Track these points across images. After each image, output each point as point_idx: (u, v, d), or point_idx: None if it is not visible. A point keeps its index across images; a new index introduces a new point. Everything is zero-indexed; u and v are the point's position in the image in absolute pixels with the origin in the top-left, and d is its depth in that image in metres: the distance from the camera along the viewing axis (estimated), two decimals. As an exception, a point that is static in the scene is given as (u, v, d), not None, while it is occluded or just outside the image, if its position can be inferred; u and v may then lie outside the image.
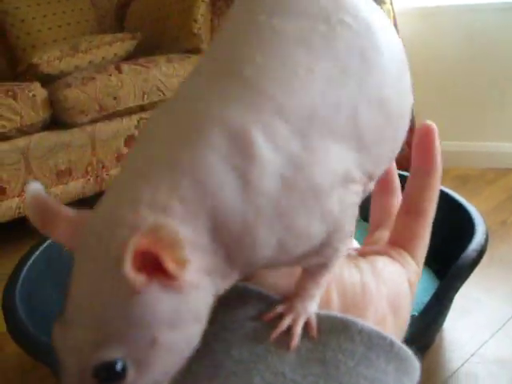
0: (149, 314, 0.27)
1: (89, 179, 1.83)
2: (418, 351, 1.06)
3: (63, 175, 1.77)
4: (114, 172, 1.88)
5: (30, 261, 1.19)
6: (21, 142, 1.68)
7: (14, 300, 1.05)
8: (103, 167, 1.86)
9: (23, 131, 1.69)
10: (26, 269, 1.16)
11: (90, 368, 0.27)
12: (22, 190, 1.70)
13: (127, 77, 1.86)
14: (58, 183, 1.77)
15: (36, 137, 1.71)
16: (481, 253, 1.15)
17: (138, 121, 1.91)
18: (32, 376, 1.26)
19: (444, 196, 1.40)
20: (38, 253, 1.22)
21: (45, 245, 1.25)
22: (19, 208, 1.70)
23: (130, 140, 1.90)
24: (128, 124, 1.89)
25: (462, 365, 1.20)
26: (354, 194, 0.32)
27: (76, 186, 1.80)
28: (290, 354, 0.33)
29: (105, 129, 1.84)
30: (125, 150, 1.90)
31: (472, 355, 1.22)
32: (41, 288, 1.20)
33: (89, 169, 1.83)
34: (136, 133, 1.91)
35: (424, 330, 1.12)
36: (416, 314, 1.17)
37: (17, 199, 1.69)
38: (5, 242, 1.79)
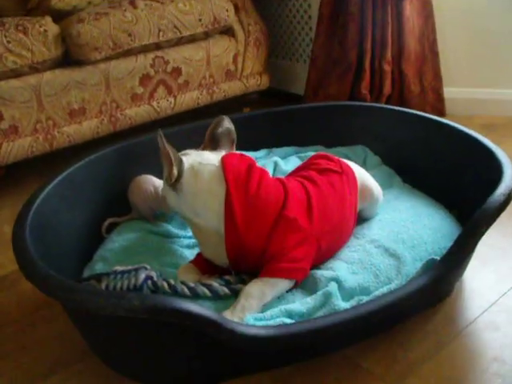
0: None
1: (103, 119, 1.78)
2: (437, 298, 1.02)
3: (76, 114, 1.73)
4: (128, 112, 1.83)
5: (41, 196, 1.16)
6: (32, 79, 1.64)
7: (25, 235, 1.03)
8: (117, 107, 1.81)
9: (35, 68, 1.64)
10: (36, 204, 1.14)
11: None
12: (35, 129, 1.66)
13: (142, 13, 1.79)
14: (71, 122, 1.73)
15: (48, 74, 1.66)
16: (508, 197, 1.09)
17: (154, 59, 1.85)
18: (45, 312, 1.26)
19: (472, 140, 1.33)
20: (49, 188, 1.19)
21: (56, 181, 1.22)
22: (32, 147, 1.66)
23: (144, 79, 1.84)
24: (143, 62, 1.83)
25: (482, 313, 1.16)
26: None
27: (90, 126, 1.76)
28: None
29: (119, 67, 1.78)
30: (140, 90, 1.84)
31: (492, 304, 1.19)
32: (53, 222, 1.17)
33: (103, 108, 1.78)
34: (151, 72, 1.85)
35: (445, 276, 1.08)
36: (438, 258, 1.13)
37: (29, 138, 1.66)
38: (18, 182, 1.77)
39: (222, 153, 1.16)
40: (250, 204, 1.07)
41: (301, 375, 1.05)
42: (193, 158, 1.14)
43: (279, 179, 1.18)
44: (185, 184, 1.11)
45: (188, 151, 1.17)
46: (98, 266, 1.20)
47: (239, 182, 1.08)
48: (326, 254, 1.16)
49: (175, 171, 1.09)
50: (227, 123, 1.20)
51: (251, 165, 1.13)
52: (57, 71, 1.68)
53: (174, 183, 1.11)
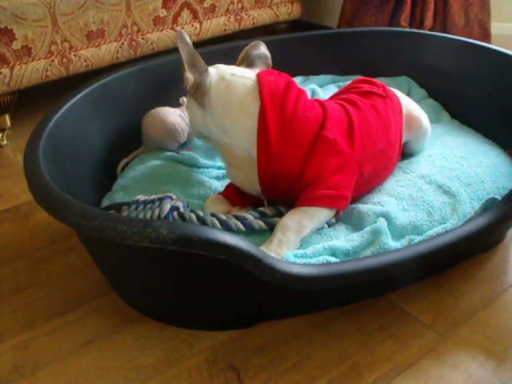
0: None
1: (123, 43, 1.65)
2: (491, 242, 0.89)
3: (94, 37, 1.59)
4: (150, 36, 1.69)
5: (55, 118, 1.05)
6: (47, -5, 1.50)
7: (37, 156, 0.92)
8: (138, 30, 1.67)
9: (50, -16, 1.50)
10: (50, 126, 1.02)
11: None
12: (50, 52, 1.54)
13: None
14: (88, 45, 1.59)
15: (64, -9, 1.52)
16: None
17: (178, -21, 1.69)
18: (61, 246, 1.17)
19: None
20: (64, 109, 1.08)
21: (70, 102, 1.11)
22: (46, 71, 1.54)
23: (168, 1, 1.69)
24: (167, -18, 1.68)
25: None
26: None
27: (109, 50, 1.62)
28: None
29: (141, -14, 1.63)
30: (163, 12, 1.69)
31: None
32: (68, 146, 1.06)
33: (123, 31, 1.64)
34: (175, -7, 1.70)
35: (508, 217, 0.97)
36: (498, 197, 1.01)
37: (43, 61, 1.53)
38: (32, 110, 1.67)
39: (257, 71, 1.04)
40: (286, 123, 0.96)
41: (341, 321, 0.96)
42: (223, 69, 1.02)
43: (318, 100, 1.06)
44: (213, 97, 0.99)
45: (218, 65, 1.04)
46: (119, 196, 1.09)
47: (275, 100, 0.97)
48: (368, 182, 1.04)
49: (189, 75, 0.98)
50: (264, 48, 1.10)
51: (290, 82, 1.01)
52: (73, -12, 1.54)
53: (197, 95, 0.99)
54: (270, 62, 1.10)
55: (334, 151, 0.97)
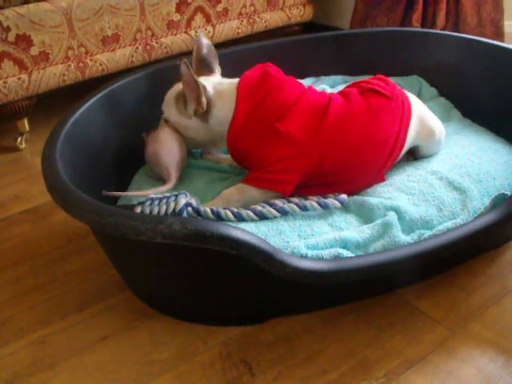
0: None
1: (137, 47, 1.68)
2: (502, 238, 0.89)
3: (110, 42, 1.62)
4: (164, 40, 1.71)
5: (72, 119, 1.08)
6: (63, 2, 1.53)
7: (55, 157, 0.95)
8: (153, 35, 1.70)
9: (66, -10, 1.53)
10: (67, 128, 1.05)
11: None
12: (66, 56, 1.57)
13: None
14: (104, 50, 1.62)
15: (80, -3, 1.55)
16: None
17: (191, -17, 1.72)
18: (77, 245, 1.20)
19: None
20: (81, 111, 1.10)
21: (87, 104, 1.13)
22: (63, 75, 1.57)
23: (181, 5, 1.72)
24: (180, -13, 1.70)
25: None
26: None
27: (124, 54, 1.65)
28: None
29: (155, -9, 1.66)
30: (176, 17, 1.72)
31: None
32: (85, 147, 1.09)
33: (137, 36, 1.67)
34: (189, -3, 1.73)
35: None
36: (508, 193, 1.02)
37: (60, 66, 1.57)
38: (50, 113, 1.70)
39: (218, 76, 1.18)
40: (251, 111, 1.06)
41: (352, 317, 0.97)
42: (210, 80, 1.13)
43: (302, 87, 1.11)
44: (214, 108, 1.10)
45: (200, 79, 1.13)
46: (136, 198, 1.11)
47: (248, 91, 1.08)
48: (334, 176, 1.06)
49: (204, 99, 1.08)
50: (205, 39, 1.18)
51: (265, 75, 1.10)
52: (89, -6, 1.57)
53: (203, 113, 1.10)
54: (214, 50, 1.19)
55: (283, 142, 1.04)
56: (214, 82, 1.12)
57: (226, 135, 1.09)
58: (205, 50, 1.16)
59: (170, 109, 1.14)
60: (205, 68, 1.16)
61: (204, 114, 1.10)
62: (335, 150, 1.04)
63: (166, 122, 1.15)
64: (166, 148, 1.11)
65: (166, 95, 1.15)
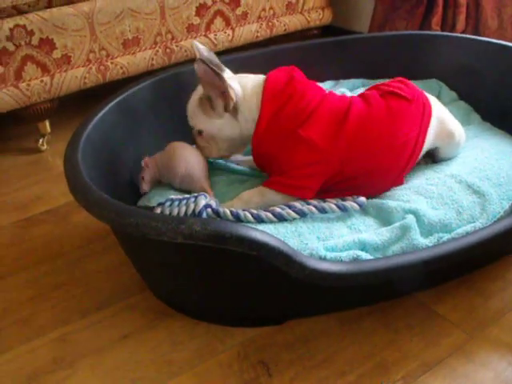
0: None
1: (157, 50, 1.69)
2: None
3: (130, 45, 1.64)
4: (184, 43, 1.73)
5: (94, 121, 1.09)
6: (85, 6, 1.55)
7: (77, 158, 0.96)
8: (173, 38, 1.71)
9: (88, -6, 1.56)
10: (89, 129, 1.07)
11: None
12: (88, 60, 1.59)
13: None
14: (124, 53, 1.64)
15: (102, 1, 1.57)
16: None
17: (211, -13, 1.73)
18: (97, 245, 1.21)
19: None
20: (102, 113, 1.12)
21: (109, 106, 1.15)
22: (85, 78, 1.59)
23: (201, 9, 1.73)
24: (200, -10, 1.72)
25: None
26: None
27: (144, 57, 1.67)
28: None
29: (175, -5, 1.68)
30: (196, 20, 1.73)
31: None
32: (106, 149, 1.10)
33: (157, 39, 1.69)
34: (209, 1, 1.74)
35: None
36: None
37: (82, 69, 1.59)
38: (71, 115, 1.72)
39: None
40: (274, 115, 1.06)
41: (370, 319, 0.97)
42: (237, 76, 1.14)
43: (321, 93, 1.11)
44: (240, 103, 1.09)
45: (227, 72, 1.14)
46: (154, 200, 1.12)
47: (274, 95, 1.07)
48: (354, 181, 1.06)
49: (232, 91, 1.08)
50: (200, 45, 1.16)
51: (291, 77, 1.09)
52: (110, -2, 1.59)
53: (233, 108, 1.09)
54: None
55: (305, 148, 1.04)
56: (236, 76, 1.12)
57: (252, 137, 1.09)
58: (206, 54, 1.14)
59: (197, 118, 1.12)
60: (215, 68, 1.12)
61: (234, 109, 1.09)
62: (356, 155, 1.04)
63: (200, 133, 1.13)
64: (196, 165, 1.12)
65: (187, 109, 1.13)
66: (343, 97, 1.13)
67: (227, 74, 1.14)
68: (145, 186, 1.13)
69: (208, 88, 1.07)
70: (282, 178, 1.05)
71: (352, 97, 1.13)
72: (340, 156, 1.04)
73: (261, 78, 1.12)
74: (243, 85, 1.10)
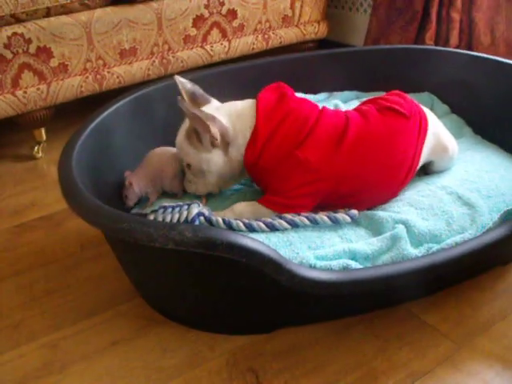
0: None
1: (154, 61, 1.71)
2: (509, 256, 0.88)
3: (127, 55, 1.66)
4: (180, 54, 1.75)
5: (88, 130, 1.10)
6: (83, 16, 1.57)
7: (71, 165, 0.97)
8: (169, 49, 1.73)
9: (86, 5, 1.57)
10: (83, 137, 1.08)
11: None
12: (85, 69, 1.61)
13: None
14: (121, 63, 1.66)
15: (99, 11, 1.59)
16: None
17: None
18: (90, 252, 1.22)
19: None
20: (97, 121, 1.13)
21: (104, 114, 1.16)
22: (81, 87, 1.61)
23: (198, 20, 1.75)
24: (197, 2, 1.73)
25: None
26: None
27: (140, 67, 1.69)
28: None
29: (172, 6, 1.69)
30: (193, 31, 1.75)
31: None
32: (99, 157, 1.11)
33: (154, 49, 1.70)
34: (206, 13, 1.76)
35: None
36: (517, 210, 1.02)
37: (79, 78, 1.60)
38: (67, 124, 1.74)
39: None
40: (270, 134, 1.04)
41: (359, 329, 0.98)
42: (224, 105, 1.11)
43: (317, 110, 1.10)
44: (232, 134, 1.06)
45: (211, 105, 1.12)
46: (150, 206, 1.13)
47: (267, 113, 1.05)
48: (349, 199, 1.06)
49: (215, 130, 1.04)
50: (180, 78, 1.13)
51: (282, 97, 1.08)
52: (108, 9, 1.60)
53: (221, 143, 1.06)
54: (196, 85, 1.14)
55: (302, 169, 1.03)
56: (225, 108, 1.09)
57: (243, 157, 1.06)
58: (189, 85, 1.11)
59: (185, 151, 1.09)
60: (200, 100, 1.12)
61: (223, 143, 1.06)
62: (352, 174, 1.05)
63: (189, 167, 1.10)
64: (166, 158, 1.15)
65: (176, 141, 1.11)
66: (339, 113, 1.11)
67: (213, 104, 1.11)
68: (130, 202, 1.14)
69: (193, 122, 1.04)
70: (278, 197, 1.04)
71: (349, 112, 1.12)
72: (336, 175, 1.04)
73: (250, 102, 1.10)
74: (233, 115, 1.07)
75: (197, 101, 1.11)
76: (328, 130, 1.05)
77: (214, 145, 1.06)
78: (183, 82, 1.11)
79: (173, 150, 1.16)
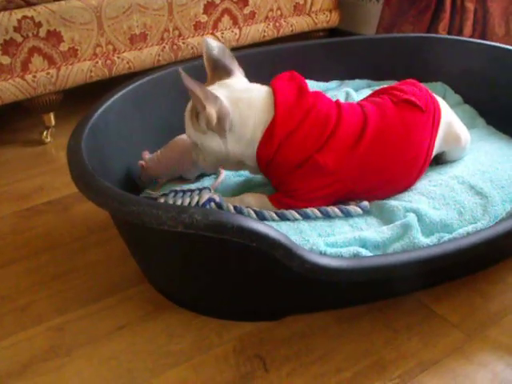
0: None
1: (164, 47, 1.70)
2: None
3: (137, 40, 1.65)
4: (191, 41, 1.73)
5: (99, 112, 1.09)
6: (94, 0, 1.56)
7: (80, 147, 0.96)
8: (180, 35, 1.72)
9: (97, -11, 1.56)
10: (93, 119, 1.07)
11: None
12: (94, 53, 1.60)
13: None
14: (131, 48, 1.65)
15: (110, -4, 1.58)
16: None
17: (220, -15, 1.74)
18: (98, 236, 1.21)
19: None
20: (104, 107, 1.12)
21: (115, 97, 1.15)
22: (91, 72, 1.60)
23: (209, 7, 1.74)
24: (208, -12, 1.72)
25: None
26: None
27: (150, 53, 1.68)
28: None
29: (183, -8, 1.68)
30: (203, 18, 1.74)
31: None
32: (108, 141, 1.10)
33: (164, 35, 1.69)
34: (217, -1, 1.74)
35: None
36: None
37: (88, 62, 1.59)
38: (76, 109, 1.73)
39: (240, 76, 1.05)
40: (289, 132, 0.99)
41: (369, 317, 0.97)
42: (231, 89, 1.01)
43: (337, 105, 1.05)
44: (234, 120, 0.98)
45: (221, 85, 1.02)
46: (161, 189, 1.12)
47: (286, 111, 0.99)
48: (363, 195, 1.04)
49: (211, 111, 0.95)
50: (215, 42, 1.05)
51: (301, 91, 1.02)
52: (119, -7, 1.60)
53: (218, 126, 0.97)
54: (228, 51, 1.06)
55: (320, 173, 1.00)
56: (234, 88, 1.01)
57: (256, 153, 1.00)
58: (216, 52, 1.03)
59: (187, 127, 1.03)
60: (222, 71, 1.03)
61: (220, 128, 0.98)
62: (369, 173, 1.03)
63: (194, 144, 1.05)
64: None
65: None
66: (356, 108, 1.07)
67: (231, 81, 1.02)
68: (143, 185, 1.13)
69: (193, 98, 0.97)
70: (290, 200, 1.01)
71: (366, 106, 1.07)
72: (353, 175, 1.02)
73: (265, 92, 1.02)
74: (243, 102, 0.99)
75: (217, 71, 1.03)
76: (348, 131, 1.02)
77: (209, 126, 0.98)
78: (211, 47, 1.03)
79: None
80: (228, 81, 1.02)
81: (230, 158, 1.02)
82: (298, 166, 0.99)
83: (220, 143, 1.00)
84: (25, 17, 1.46)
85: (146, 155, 1.13)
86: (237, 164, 1.06)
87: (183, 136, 1.14)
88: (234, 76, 1.04)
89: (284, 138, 0.99)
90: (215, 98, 0.96)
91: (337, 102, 1.08)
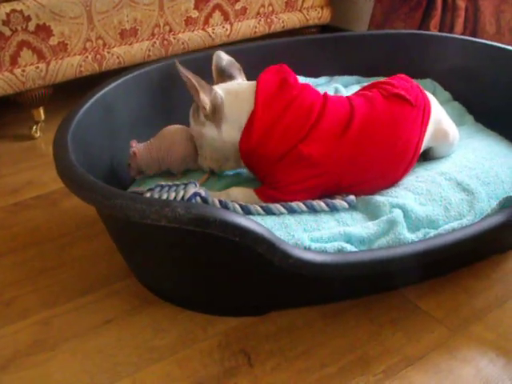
0: None
1: (155, 42, 1.69)
2: (509, 242, 0.87)
3: (128, 35, 1.64)
4: (181, 36, 1.73)
5: (85, 107, 1.09)
6: (84, -6, 1.55)
7: (66, 142, 0.96)
8: (170, 30, 1.71)
9: (87, -17, 1.55)
10: (79, 115, 1.06)
11: None
12: (84, 48, 1.59)
13: None
14: (121, 43, 1.64)
15: (100, -10, 1.58)
16: None
17: (211, -20, 1.73)
18: (85, 231, 1.21)
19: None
20: (91, 101, 1.11)
21: (101, 92, 1.15)
22: (80, 66, 1.59)
23: (200, 2, 1.73)
24: (199, -17, 1.72)
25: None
26: None
27: (141, 48, 1.67)
28: None
29: (174, -13, 1.68)
30: (194, 13, 1.73)
31: None
32: (95, 134, 1.10)
33: (155, 30, 1.68)
34: (207, -6, 1.74)
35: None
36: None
37: (78, 57, 1.59)
38: (65, 104, 1.72)
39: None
40: (271, 123, 1.00)
41: (353, 313, 0.97)
42: (227, 84, 1.08)
43: (324, 96, 1.06)
44: (227, 110, 1.03)
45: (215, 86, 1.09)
46: (147, 184, 1.12)
47: (267, 99, 1.02)
48: (349, 189, 1.04)
49: (205, 98, 1.02)
50: (226, 55, 1.14)
51: (284, 81, 1.04)
52: (109, -12, 1.59)
53: (213, 116, 1.03)
54: (238, 65, 1.15)
55: (304, 164, 1.00)
56: (228, 84, 1.08)
57: (240, 146, 1.03)
58: (224, 63, 1.12)
59: (191, 123, 1.09)
60: (227, 79, 1.11)
61: (215, 118, 1.04)
62: (355, 167, 1.02)
63: (196, 138, 1.11)
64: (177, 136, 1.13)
65: None
66: (343, 100, 1.07)
67: (231, 82, 1.09)
68: (133, 173, 1.13)
69: (187, 86, 1.03)
70: (275, 192, 1.02)
71: (353, 99, 1.08)
72: (339, 168, 1.01)
73: (251, 84, 1.06)
74: (232, 93, 1.04)
75: (222, 78, 1.11)
76: (333, 121, 1.02)
77: (205, 115, 1.04)
78: (221, 59, 1.13)
79: (188, 129, 1.14)
80: (229, 82, 1.10)
81: (226, 148, 1.06)
82: (281, 157, 1.00)
83: (216, 133, 1.05)
84: (13, 10, 1.45)
85: (135, 144, 1.12)
86: (235, 160, 1.08)
87: (171, 127, 1.15)
88: (234, 80, 1.11)
89: (265, 129, 1.00)
90: (209, 88, 1.03)
91: (324, 94, 1.08)
